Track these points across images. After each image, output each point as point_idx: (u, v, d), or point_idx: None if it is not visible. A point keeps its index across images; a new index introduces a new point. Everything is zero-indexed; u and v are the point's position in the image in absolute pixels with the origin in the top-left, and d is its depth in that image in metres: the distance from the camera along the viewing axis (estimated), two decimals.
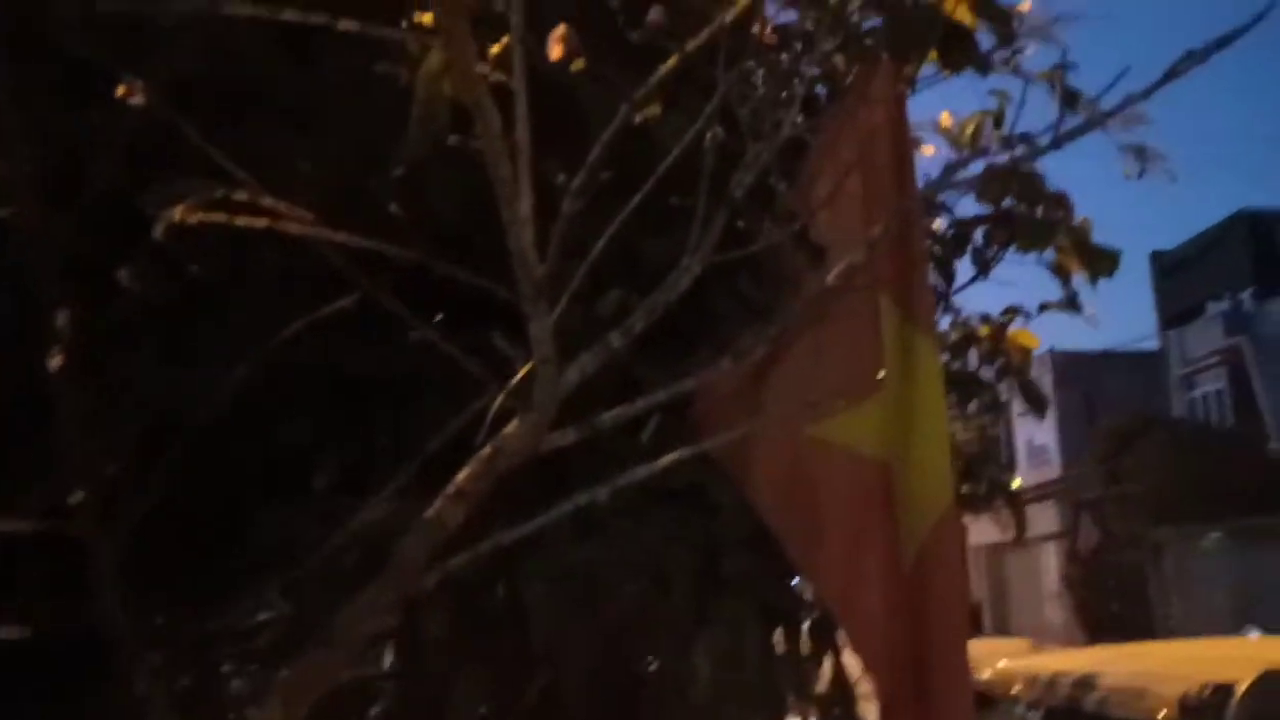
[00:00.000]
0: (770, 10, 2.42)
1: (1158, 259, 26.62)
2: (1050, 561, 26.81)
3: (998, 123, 2.92)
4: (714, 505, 1.94)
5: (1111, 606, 22.59)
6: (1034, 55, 2.72)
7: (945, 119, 2.88)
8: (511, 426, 1.28)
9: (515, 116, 1.11)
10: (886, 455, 1.77)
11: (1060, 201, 1.70)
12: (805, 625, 2.10)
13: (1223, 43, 1.20)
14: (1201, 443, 20.81)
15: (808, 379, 1.83)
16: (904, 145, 1.94)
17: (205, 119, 1.25)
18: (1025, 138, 1.59)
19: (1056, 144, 1.38)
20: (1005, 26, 2.02)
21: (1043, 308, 2.10)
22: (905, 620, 1.78)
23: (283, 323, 1.30)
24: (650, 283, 1.58)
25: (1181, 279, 26.03)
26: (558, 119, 1.86)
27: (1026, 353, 2.11)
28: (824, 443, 1.81)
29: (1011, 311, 2.10)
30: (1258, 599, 17.96)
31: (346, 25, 1.22)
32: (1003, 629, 29.97)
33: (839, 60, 1.95)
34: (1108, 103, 1.50)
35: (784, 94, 1.93)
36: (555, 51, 0.80)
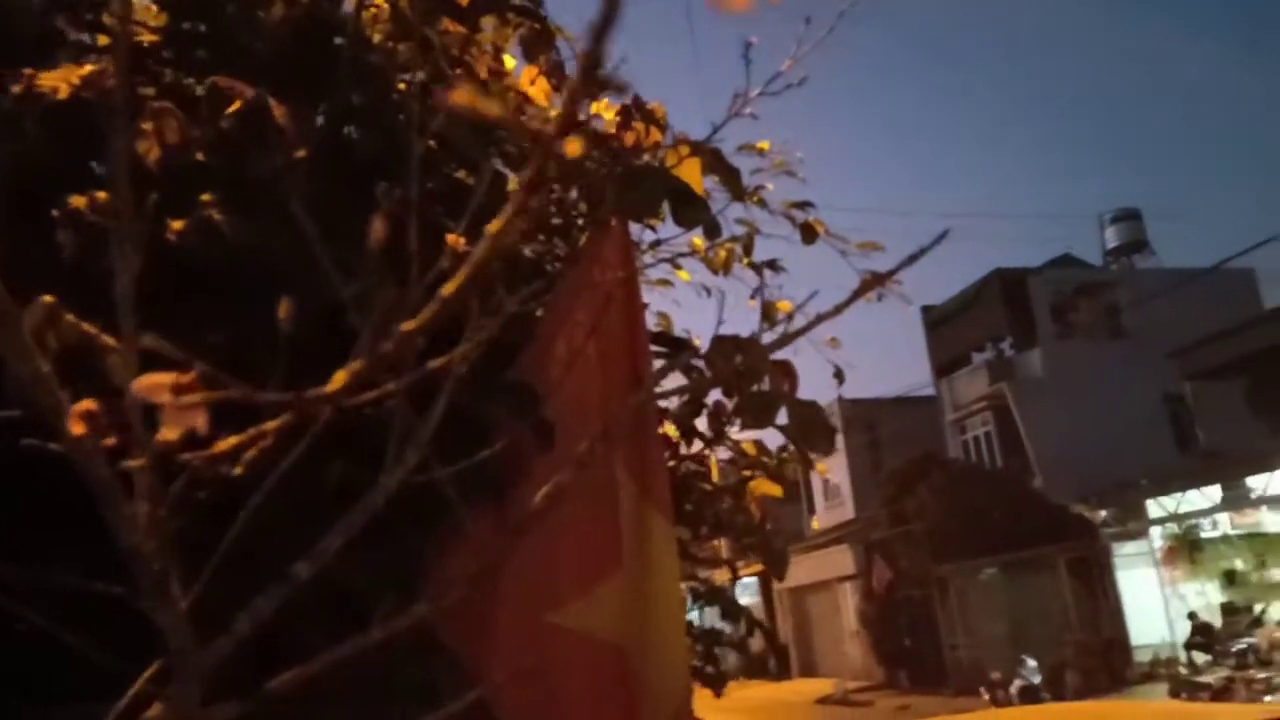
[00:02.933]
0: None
1: (927, 313, 28.82)
2: (849, 601, 28.10)
3: (747, 250, 3.00)
4: (443, 699, 1.79)
5: (905, 641, 23.88)
6: (776, 190, 2.82)
7: (698, 243, 2.93)
8: (153, 711, 1.10)
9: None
10: (625, 642, 1.70)
11: (786, 371, 1.71)
12: None
13: (909, 261, 1.22)
14: (974, 482, 22.46)
15: (544, 561, 1.73)
16: (635, 307, 1.90)
17: None
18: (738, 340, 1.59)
19: (780, 343, 1.36)
20: (735, 184, 2.05)
21: (781, 463, 2.13)
22: None
23: None
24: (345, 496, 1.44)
25: (949, 332, 28.30)
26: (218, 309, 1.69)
27: (764, 501, 2.11)
28: (561, 630, 1.72)
29: (752, 468, 2.11)
30: (1028, 625, 19.49)
31: None
32: (809, 669, 31.06)
33: (572, 223, 1.91)
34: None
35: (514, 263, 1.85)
36: (76, 428, 0.67)
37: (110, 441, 0.86)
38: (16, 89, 1.31)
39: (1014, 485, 22.45)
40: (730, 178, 2.12)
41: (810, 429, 1.67)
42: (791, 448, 2.14)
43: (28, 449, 0.85)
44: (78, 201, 1.43)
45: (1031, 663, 16.90)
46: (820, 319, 1.19)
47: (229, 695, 1.16)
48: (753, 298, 2.80)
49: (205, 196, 1.79)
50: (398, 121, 2.21)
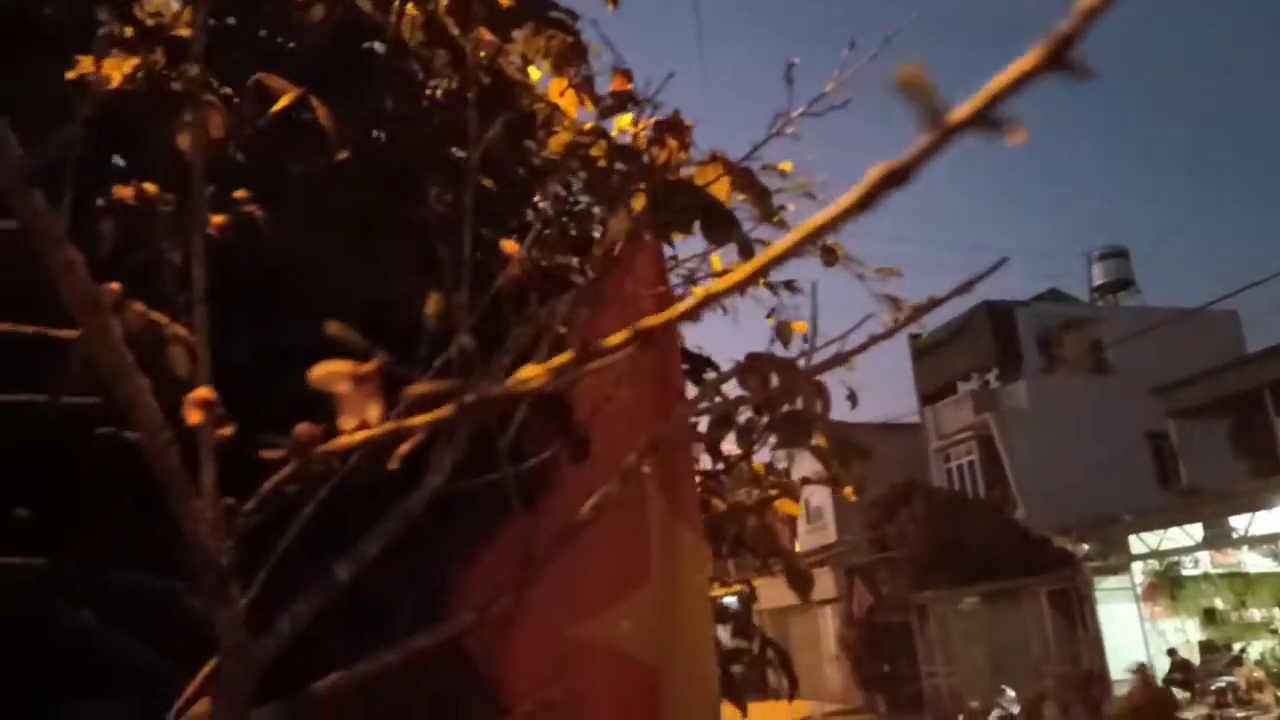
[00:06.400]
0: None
1: (914, 341, 28.97)
2: (829, 625, 28.06)
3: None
4: (468, 713, 1.77)
5: (884, 666, 23.84)
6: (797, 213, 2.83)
7: (716, 261, 2.93)
8: (199, 708, 1.08)
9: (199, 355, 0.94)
10: (652, 657, 1.67)
11: (819, 391, 1.70)
12: None
13: (964, 288, 1.22)
14: (956, 511, 22.51)
15: (571, 573, 1.71)
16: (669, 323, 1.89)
17: None
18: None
19: (843, 357, 1.36)
20: (765, 205, 2.05)
21: (805, 481, 2.12)
22: None
23: None
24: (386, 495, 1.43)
25: (935, 361, 28.44)
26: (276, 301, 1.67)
27: (791, 521, 2.10)
28: (587, 644, 1.70)
29: (778, 486, 2.10)
30: (1007, 655, 19.50)
31: None
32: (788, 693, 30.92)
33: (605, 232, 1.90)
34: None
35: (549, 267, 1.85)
36: (192, 417, 0.65)
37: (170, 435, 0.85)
38: (72, 75, 1.29)
39: (996, 515, 22.51)
40: (760, 198, 2.12)
41: (845, 450, 1.66)
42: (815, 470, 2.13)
43: (99, 439, 0.84)
44: (122, 192, 1.42)
45: (1010, 693, 16.89)
46: (874, 340, 1.18)
47: (258, 698, 1.14)
48: (769, 316, 2.80)
49: (240, 193, 1.77)
50: (429, 128, 2.20)
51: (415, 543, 1.51)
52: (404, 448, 0.62)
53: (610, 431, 1.63)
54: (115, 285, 0.96)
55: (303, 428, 0.59)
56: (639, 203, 2.06)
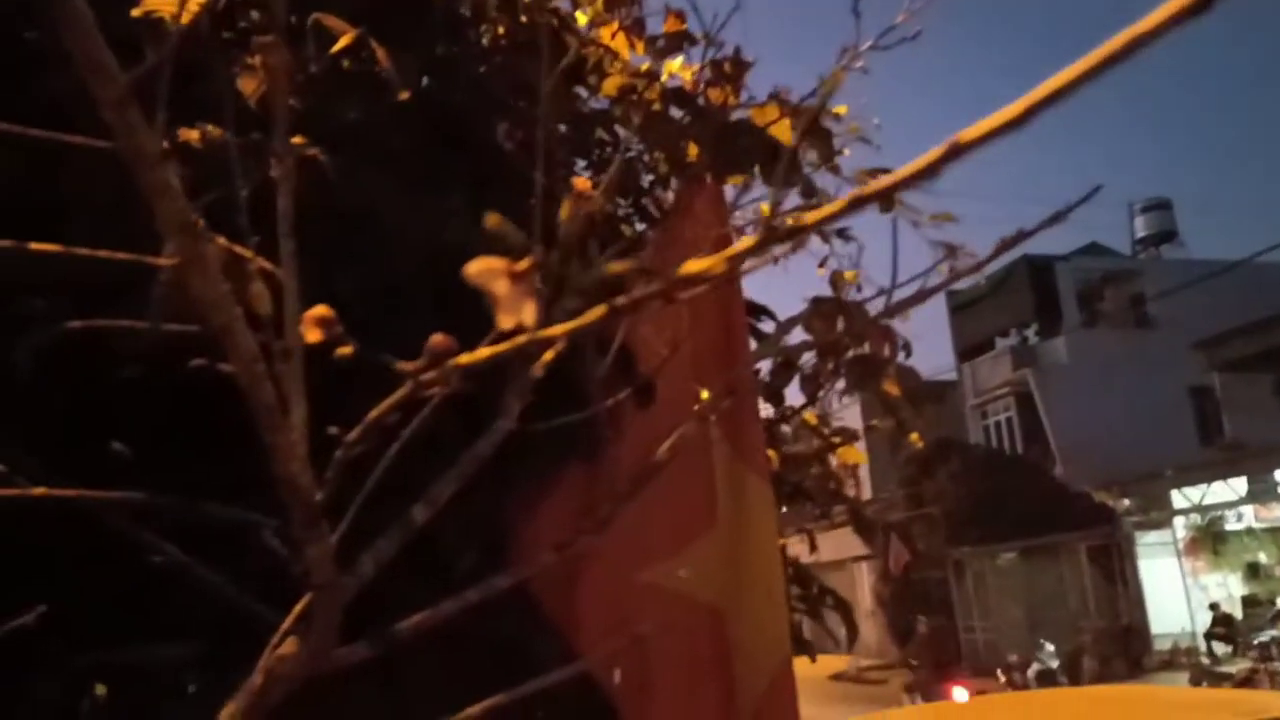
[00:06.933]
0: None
1: (952, 298, 28.59)
2: (865, 580, 28.13)
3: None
4: (535, 659, 1.78)
5: (919, 622, 23.90)
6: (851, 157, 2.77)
7: (765, 209, 2.88)
8: (287, 648, 1.08)
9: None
10: (720, 602, 1.67)
11: (887, 335, 1.67)
12: None
13: (1055, 219, 1.18)
14: (993, 468, 22.36)
15: (636, 519, 1.70)
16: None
17: None
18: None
19: (917, 299, 1.32)
20: (826, 147, 2.00)
21: (869, 429, 2.09)
22: None
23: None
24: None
25: (973, 317, 28.07)
26: (349, 241, 1.66)
27: (855, 469, 2.08)
28: (654, 588, 1.69)
29: (841, 433, 2.07)
30: (1045, 611, 19.47)
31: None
32: (823, 647, 31.18)
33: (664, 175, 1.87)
34: None
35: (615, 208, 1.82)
36: (311, 335, 0.64)
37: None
38: (137, 12, 1.27)
39: (1034, 472, 22.34)
40: (821, 140, 2.07)
41: (917, 394, 1.63)
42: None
43: (193, 371, 0.83)
44: (188, 134, 1.41)
45: (1049, 647, 16.87)
46: (940, 286, 1.15)
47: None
48: (821, 265, 2.75)
49: (298, 139, 1.76)
50: (482, 74, 2.17)
51: (480, 489, 1.51)
52: (547, 355, 0.60)
53: (673, 378, 1.62)
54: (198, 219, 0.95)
55: (437, 338, 0.58)
56: (694, 148, 2.02)
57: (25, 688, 1.39)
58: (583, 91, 2.35)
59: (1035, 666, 16.56)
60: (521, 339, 0.52)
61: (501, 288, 0.47)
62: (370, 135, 1.76)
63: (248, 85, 1.53)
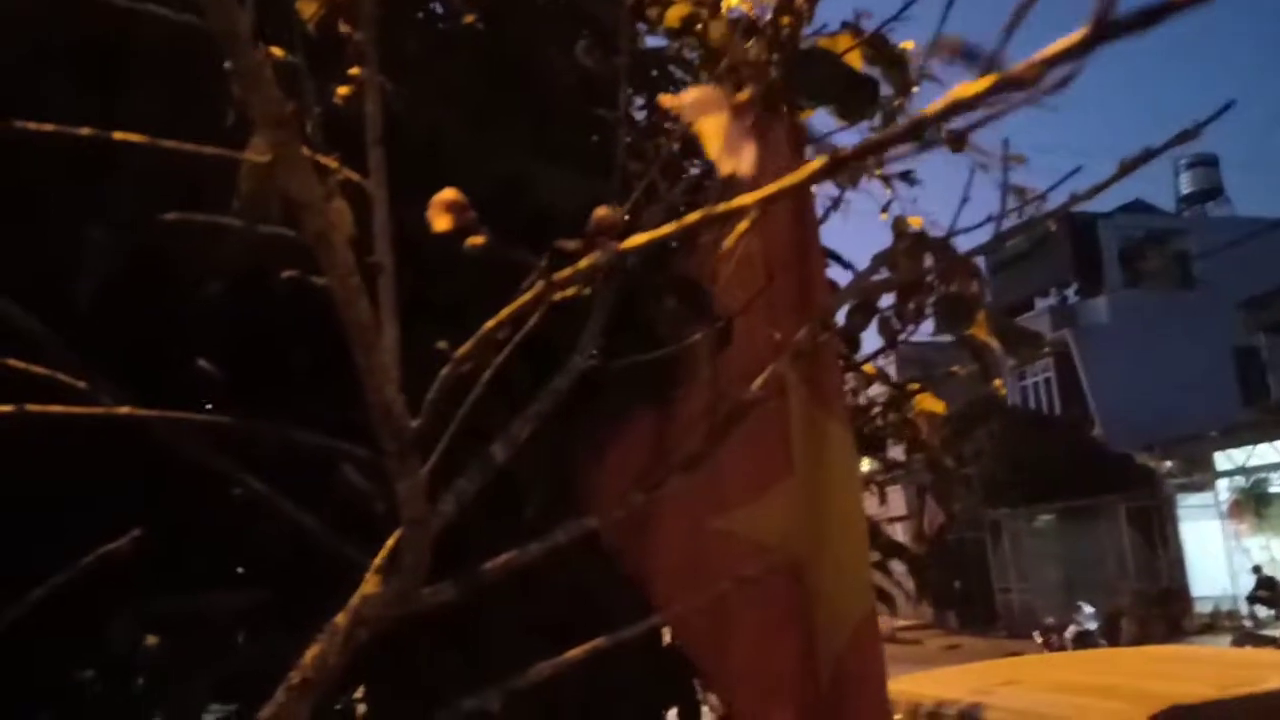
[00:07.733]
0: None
1: (989, 256, 28.09)
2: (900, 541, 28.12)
3: (879, 160, 2.83)
4: (609, 609, 1.73)
5: (955, 583, 23.81)
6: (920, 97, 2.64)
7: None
8: (371, 587, 1.03)
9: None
10: (799, 551, 1.60)
11: (974, 273, 1.57)
12: None
13: (1184, 137, 1.08)
14: (1032, 429, 22.08)
15: (710, 465, 1.64)
16: (806, 199, 1.77)
17: None
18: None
19: (999, 240, 1.23)
20: (903, 74, 1.89)
21: (951, 374, 2.00)
22: None
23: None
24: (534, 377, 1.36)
25: (1012, 275, 27.59)
26: (424, 177, 1.59)
27: (934, 418, 1.99)
28: (730, 536, 1.63)
29: (917, 383, 1.98)
30: (1083, 573, 19.30)
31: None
32: None
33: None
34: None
35: (680, 151, 1.74)
36: (440, 222, 0.57)
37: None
38: None
39: (1073, 433, 22.04)
40: (897, 69, 1.96)
41: (1011, 335, 1.54)
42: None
43: (287, 283, 0.76)
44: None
45: (1088, 609, 16.73)
46: (1020, 228, 1.06)
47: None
48: (884, 210, 2.64)
49: (354, 70, 1.68)
50: (543, 5, 2.08)
51: (551, 431, 1.45)
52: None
53: (751, 321, 1.54)
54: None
55: (601, 211, 0.51)
56: (763, 76, 1.92)
57: (95, 632, 1.36)
58: (642, 27, 2.25)
59: (1073, 628, 16.45)
60: (695, 216, 0.44)
61: (717, 127, 0.40)
62: (431, 67, 1.69)
63: (306, 8, 1.45)
